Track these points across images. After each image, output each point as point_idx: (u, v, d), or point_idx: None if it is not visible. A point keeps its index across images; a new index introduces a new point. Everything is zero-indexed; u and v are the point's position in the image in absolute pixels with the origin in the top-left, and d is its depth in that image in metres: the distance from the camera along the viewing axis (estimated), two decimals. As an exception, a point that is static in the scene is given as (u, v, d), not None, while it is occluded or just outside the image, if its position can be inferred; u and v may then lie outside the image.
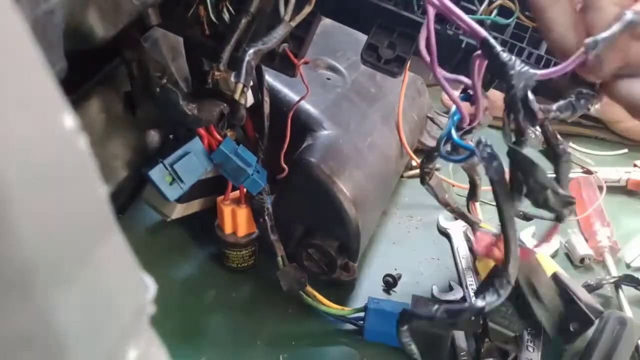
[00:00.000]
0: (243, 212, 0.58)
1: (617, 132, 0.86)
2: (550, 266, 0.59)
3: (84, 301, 0.17)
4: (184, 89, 0.53)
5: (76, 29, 0.34)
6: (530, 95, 0.35)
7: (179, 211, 0.60)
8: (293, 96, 0.60)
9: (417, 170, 0.73)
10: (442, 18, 0.47)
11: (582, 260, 0.67)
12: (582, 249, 0.67)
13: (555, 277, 0.54)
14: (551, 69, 0.37)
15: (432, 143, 0.76)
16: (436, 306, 0.40)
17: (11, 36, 0.15)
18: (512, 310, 0.50)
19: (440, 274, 0.64)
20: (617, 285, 0.63)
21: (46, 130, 0.16)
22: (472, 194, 0.60)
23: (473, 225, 0.61)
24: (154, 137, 0.58)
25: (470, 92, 0.40)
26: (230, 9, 0.46)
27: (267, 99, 0.56)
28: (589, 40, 0.35)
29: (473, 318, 0.43)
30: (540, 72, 0.36)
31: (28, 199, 0.15)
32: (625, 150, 0.85)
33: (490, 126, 1.05)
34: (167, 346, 0.22)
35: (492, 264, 0.58)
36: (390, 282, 0.62)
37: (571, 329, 0.53)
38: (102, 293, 0.18)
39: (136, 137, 0.55)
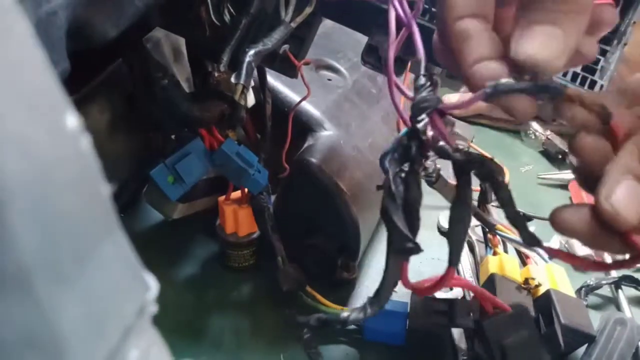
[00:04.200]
0: (244, 212, 0.58)
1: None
2: (554, 280, 0.58)
3: (86, 301, 0.17)
4: (185, 89, 0.53)
5: (79, 30, 0.34)
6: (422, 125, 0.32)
7: (180, 211, 0.60)
8: (294, 97, 0.61)
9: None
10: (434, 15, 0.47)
11: (582, 260, 0.67)
12: (582, 249, 0.67)
13: (547, 294, 0.54)
14: (460, 101, 0.32)
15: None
16: (312, 315, 0.43)
17: (14, 36, 0.15)
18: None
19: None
20: (616, 285, 0.63)
21: (49, 130, 0.16)
22: (483, 198, 0.59)
23: (490, 227, 0.61)
24: (155, 137, 0.58)
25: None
26: (231, 10, 0.47)
27: (269, 99, 0.57)
28: (491, 83, 0.29)
29: (339, 327, 0.42)
30: (447, 104, 0.33)
31: (30, 199, 0.15)
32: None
33: (488, 126, 1.05)
34: (169, 345, 0.22)
35: (493, 269, 0.59)
36: (390, 282, 0.62)
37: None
38: (103, 292, 0.18)
39: (138, 137, 0.55)
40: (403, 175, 0.35)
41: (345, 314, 0.42)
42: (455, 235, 0.35)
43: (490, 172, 0.31)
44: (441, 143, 0.33)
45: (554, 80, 0.29)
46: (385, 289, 0.40)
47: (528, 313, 0.46)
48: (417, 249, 0.35)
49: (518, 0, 0.30)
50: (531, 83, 0.28)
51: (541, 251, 0.61)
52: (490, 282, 0.55)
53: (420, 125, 0.33)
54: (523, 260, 0.64)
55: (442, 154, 0.33)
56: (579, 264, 0.34)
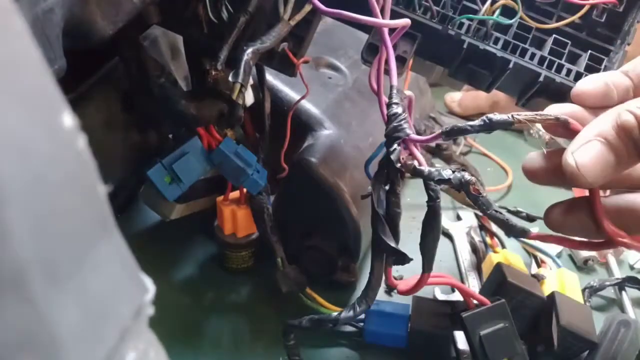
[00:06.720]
0: (243, 213, 0.58)
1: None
2: (563, 285, 0.58)
3: (82, 302, 0.16)
4: (183, 87, 0.53)
5: (75, 28, 0.33)
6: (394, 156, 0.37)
7: (178, 211, 0.60)
8: (294, 95, 0.60)
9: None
10: (444, 17, 0.47)
11: (585, 261, 0.67)
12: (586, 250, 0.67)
13: (552, 295, 0.53)
14: (425, 137, 0.38)
15: (433, 143, 0.76)
16: (303, 317, 0.47)
17: (10, 35, 0.15)
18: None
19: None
20: (620, 287, 0.63)
21: (45, 129, 0.16)
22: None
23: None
24: (152, 136, 0.58)
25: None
26: (229, 7, 0.46)
27: (268, 98, 0.56)
28: (445, 127, 0.35)
29: (331, 326, 0.46)
30: (414, 137, 0.37)
31: (25, 199, 0.14)
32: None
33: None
34: (166, 347, 0.21)
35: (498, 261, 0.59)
36: (391, 283, 0.62)
37: (538, 349, 0.52)
38: (100, 294, 0.17)
39: (135, 136, 0.55)
40: (385, 194, 0.41)
41: (335, 314, 0.44)
42: (427, 246, 0.40)
43: (461, 186, 0.35)
44: (416, 165, 0.37)
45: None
46: (371, 289, 0.43)
47: (505, 307, 0.48)
48: (406, 260, 0.42)
49: None
50: (482, 123, 0.33)
51: (554, 256, 0.64)
52: (498, 271, 0.54)
53: (393, 156, 0.37)
54: (538, 263, 0.65)
55: (417, 175, 0.37)
56: (565, 244, 0.38)
